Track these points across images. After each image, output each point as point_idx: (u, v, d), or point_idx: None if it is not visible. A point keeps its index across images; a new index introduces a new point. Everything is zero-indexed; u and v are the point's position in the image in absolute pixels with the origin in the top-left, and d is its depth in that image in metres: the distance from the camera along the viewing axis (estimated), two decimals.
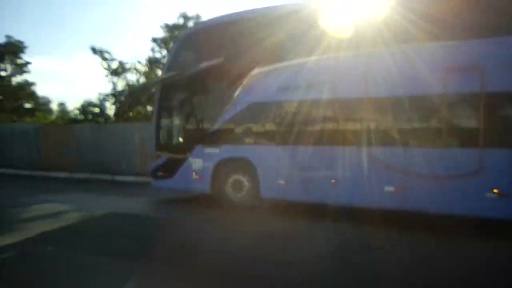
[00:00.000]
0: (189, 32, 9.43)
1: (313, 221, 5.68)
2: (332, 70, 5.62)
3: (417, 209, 5.12)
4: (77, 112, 29.66)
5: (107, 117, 25.68)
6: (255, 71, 6.27)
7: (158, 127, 7.47)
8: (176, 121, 7.50)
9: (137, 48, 76.35)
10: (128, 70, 25.31)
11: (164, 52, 24.13)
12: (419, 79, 4.98)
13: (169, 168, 7.10)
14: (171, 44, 20.85)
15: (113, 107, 26.25)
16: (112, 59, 25.45)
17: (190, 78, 6.82)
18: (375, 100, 5.33)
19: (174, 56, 7.56)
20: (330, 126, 5.79)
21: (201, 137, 6.79)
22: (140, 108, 25.03)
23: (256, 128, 6.42)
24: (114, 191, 9.29)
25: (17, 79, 33.59)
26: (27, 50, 31.68)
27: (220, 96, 6.70)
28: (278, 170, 6.06)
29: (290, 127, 5.97)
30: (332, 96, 5.60)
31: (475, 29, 4.82)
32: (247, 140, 6.47)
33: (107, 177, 11.73)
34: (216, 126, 6.62)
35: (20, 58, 31.73)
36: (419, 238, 4.69)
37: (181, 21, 23.60)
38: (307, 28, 5.81)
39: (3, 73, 31.84)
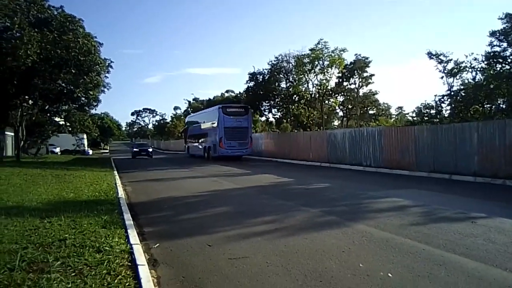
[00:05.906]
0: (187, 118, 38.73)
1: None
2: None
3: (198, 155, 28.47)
4: (413, 114, 29.90)
5: (442, 118, 24.70)
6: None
7: (185, 140, 33.96)
8: (186, 137, 33.73)
9: (475, 45, 76.39)
10: (464, 69, 23.48)
11: (504, 44, 20.82)
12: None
13: (187, 148, 33.47)
14: None
15: (448, 107, 25.10)
16: (448, 60, 23.78)
17: (186, 129, 34.55)
18: (200, 132, 28.28)
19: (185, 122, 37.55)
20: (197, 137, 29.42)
21: (187, 140, 32.94)
22: (477, 107, 22.81)
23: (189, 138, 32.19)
24: (452, 190, 9.41)
25: (363, 90, 38.19)
26: (371, 64, 36.39)
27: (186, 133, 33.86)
28: (193, 147, 31.01)
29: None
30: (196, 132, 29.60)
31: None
32: (188, 140, 32.85)
33: (444, 176, 11.88)
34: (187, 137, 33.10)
35: (366, 71, 35.98)
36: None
37: None
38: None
39: (352, 86, 36.16)
